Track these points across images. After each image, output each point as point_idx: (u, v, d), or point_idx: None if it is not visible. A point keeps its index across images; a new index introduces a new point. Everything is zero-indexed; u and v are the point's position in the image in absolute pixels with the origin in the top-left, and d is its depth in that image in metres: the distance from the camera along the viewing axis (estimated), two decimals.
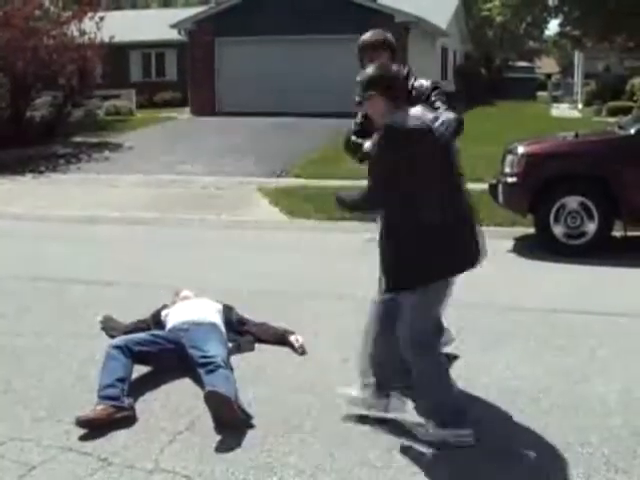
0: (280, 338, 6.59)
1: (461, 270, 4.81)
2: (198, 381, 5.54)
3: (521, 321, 7.07)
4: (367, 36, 5.76)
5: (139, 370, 5.79)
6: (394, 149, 4.57)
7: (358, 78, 4.88)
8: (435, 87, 5.71)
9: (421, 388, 4.96)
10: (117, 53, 30.97)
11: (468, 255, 4.83)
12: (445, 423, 4.82)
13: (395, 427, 5.03)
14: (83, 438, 4.89)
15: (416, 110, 4.77)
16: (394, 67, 5.12)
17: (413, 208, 4.63)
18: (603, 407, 5.29)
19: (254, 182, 16.50)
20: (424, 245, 4.66)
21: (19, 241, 10.95)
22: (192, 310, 6.33)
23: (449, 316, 5.74)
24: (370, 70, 4.85)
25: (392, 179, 4.60)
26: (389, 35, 5.82)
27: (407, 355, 4.84)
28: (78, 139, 24.41)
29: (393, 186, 4.62)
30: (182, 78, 36.77)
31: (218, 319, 6.33)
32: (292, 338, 6.51)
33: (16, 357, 6.37)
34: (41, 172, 18.80)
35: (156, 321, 6.57)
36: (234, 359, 6.04)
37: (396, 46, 5.81)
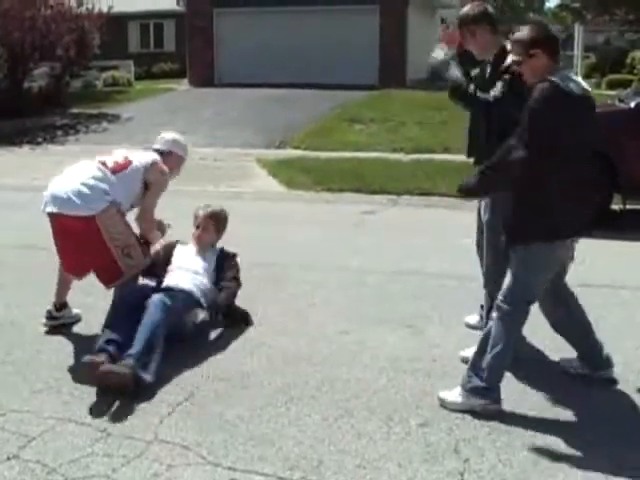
0: (230, 312, 6.43)
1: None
2: (197, 353, 5.55)
3: None
4: (468, 9, 5.59)
5: None
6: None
7: (516, 36, 4.83)
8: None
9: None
10: (115, 24, 30.77)
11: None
12: (477, 390, 4.87)
13: (394, 397, 5.06)
14: (82, 409, 4.90)
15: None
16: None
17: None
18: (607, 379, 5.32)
19: (253, 153, 16.49)
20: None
21: (16, 212, 10.89)
22: (183, 278, 6.29)
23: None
24: (532, 29, 4.85)
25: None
26: (490, 7, 5.68)
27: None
28: (76, 110, 24.33)
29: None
30: (180, 49, 36.60)
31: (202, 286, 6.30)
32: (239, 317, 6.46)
33: (15, 328, 6.37)
34: (39, 143, 18.76)
35: (167, 257, 6.54)
36: (229, 334, 6.08)
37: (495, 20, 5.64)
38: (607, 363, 5.35)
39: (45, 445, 4.48)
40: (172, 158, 6.54)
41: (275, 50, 30.46)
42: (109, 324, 5.58)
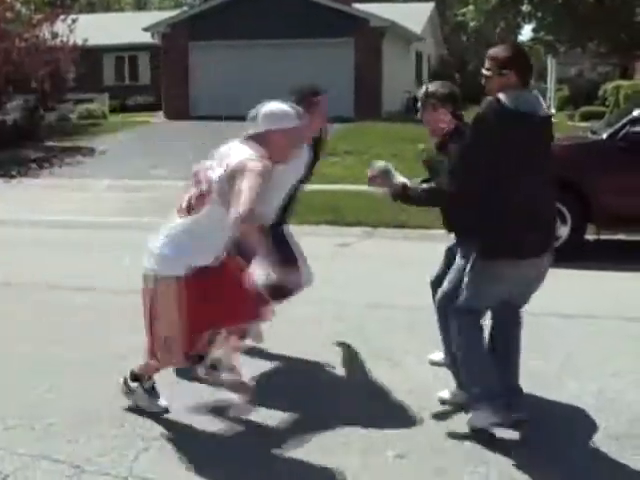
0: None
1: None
2: (173, 387, 5.53)
3: None
4: (435, 87, 5.56)
5: (113, 378, 5.76)
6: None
7: (491, 52, 4.97)
8: None
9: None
10: (90, 56, 30.85)
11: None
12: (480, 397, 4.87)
13: (370, 430, 5.03)
14: (56, 446, 4.84)
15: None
16: None
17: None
18: (581, 409, 5.33)
19: None
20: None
21: None
22: None
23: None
24: (508, 48, 4.95)
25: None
26: (456, 88, 5.67)
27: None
28: (50, 143, 24.27)
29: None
30: (155, 82, 36.66)
31: None
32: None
33: None
34: (12, 176, 18.65)
35: None
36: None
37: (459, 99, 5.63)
38: None
39: None
40: (271, 137, 4.98)
41: (250, 83, 30.51)
42: None
